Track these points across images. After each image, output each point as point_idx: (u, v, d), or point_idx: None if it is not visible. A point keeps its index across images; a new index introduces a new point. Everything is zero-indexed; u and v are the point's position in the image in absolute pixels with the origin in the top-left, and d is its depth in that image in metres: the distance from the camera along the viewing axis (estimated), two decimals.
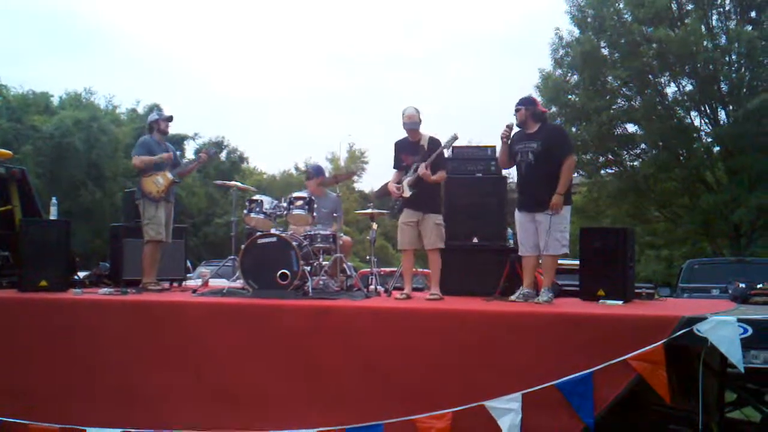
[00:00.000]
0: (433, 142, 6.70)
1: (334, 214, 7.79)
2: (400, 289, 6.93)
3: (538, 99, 23.18)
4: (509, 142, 6.50)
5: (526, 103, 6.49)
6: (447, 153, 7.10)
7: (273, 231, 6.77)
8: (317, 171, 8.44)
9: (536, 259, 6.40)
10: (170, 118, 7.58)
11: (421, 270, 9.38)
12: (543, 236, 6.17)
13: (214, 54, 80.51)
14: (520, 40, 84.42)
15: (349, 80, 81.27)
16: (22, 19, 59.26)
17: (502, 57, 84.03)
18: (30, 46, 61.97)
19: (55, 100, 37.09)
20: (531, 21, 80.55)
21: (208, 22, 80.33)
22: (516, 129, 6.52)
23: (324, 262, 7.33)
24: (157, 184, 7.19)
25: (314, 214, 7.17)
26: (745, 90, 21.12)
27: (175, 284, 8.16)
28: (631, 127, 24.00)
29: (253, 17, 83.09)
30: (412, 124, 6.76)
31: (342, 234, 7.61)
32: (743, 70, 21.36)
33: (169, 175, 7.26)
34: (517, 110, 6.44)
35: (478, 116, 73.72)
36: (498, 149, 7.00)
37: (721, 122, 22.36)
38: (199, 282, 8.52)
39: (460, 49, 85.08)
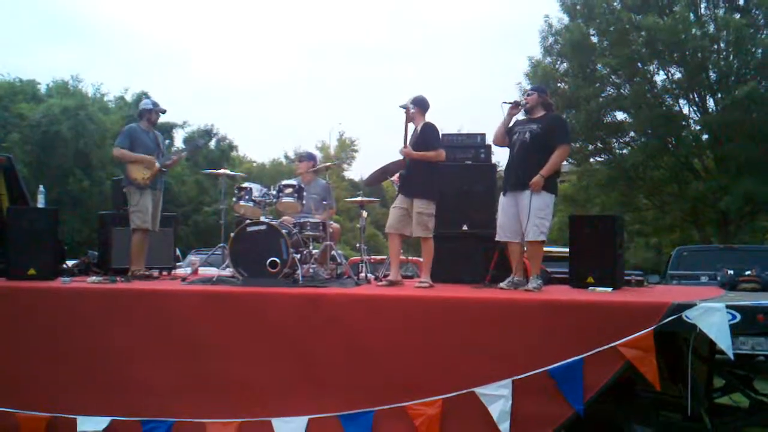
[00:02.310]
0: (425, 126, 6.69)
1: (324, 202, 7.77)
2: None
3: (527, 87, 23.33)
4: (510, 123, 6.54)
5: (539, 90, 6.68)
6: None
7: (262, 219, 6.74)
8: (309, 156, 8.65)
9: (521, 246, 6.41)
10: (164, 111, 7.53)
11: (411, 258, 9.41)
12: (524, 219, 6.17)
13: (203, 42, 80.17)
14: (510, 28, 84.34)
15: (340, 68, 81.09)
16: (8, 6, 58.69)
17: (491, 45, 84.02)
18: (16, 33, 61.41)
19: (43, 88, 36.72)
20: (520, 8, 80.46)
21: (196, 9, 79.91)
22: (522, 115, 6.59)
23: (314, 250, 7.32)
24: (143, 172, 7.14)
25: (303, 201, 7.16)
26: (733, 78, 21.15)
27: (165, 273, 8.12)
28: (620, 115, 24.01)
29: (242, 3, 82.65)
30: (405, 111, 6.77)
31: (331, 221, 7.60)
32: (731, 58, 21.38)
33: (156, 164, 7.22)
34: (529, 94, 6.56)
35: (467, 104, 73.75)
36: (488, 136, 7.01)
37: (710, 110, 22.41)
38: (188, 270, 8.49)
39: (449, 38, 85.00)
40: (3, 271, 6.75)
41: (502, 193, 6.52)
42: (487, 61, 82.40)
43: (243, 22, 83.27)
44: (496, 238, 6.54)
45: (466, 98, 74.62)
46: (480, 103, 71.35)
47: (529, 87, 6.89)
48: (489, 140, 7.45)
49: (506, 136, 6.57)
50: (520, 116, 6.59)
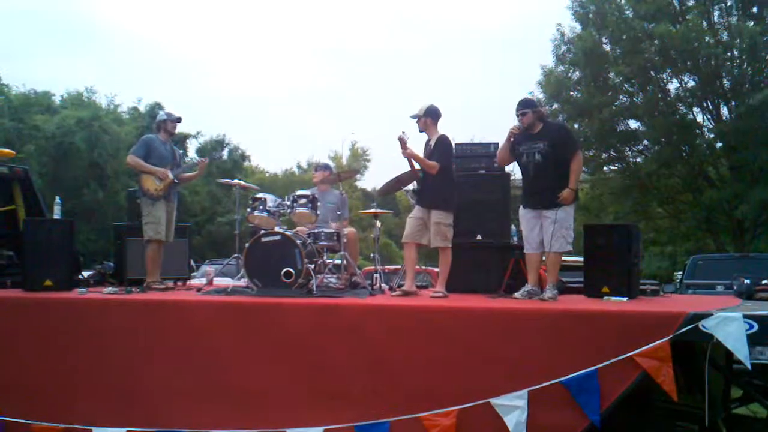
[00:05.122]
0: (440, 139, 6.69)
1: (338, 212, 7.78)
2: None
3: (541, 96, 23.24)
4: (512, 140, 6.51)
5: (531, 105, 6.55)
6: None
7: (277, 229, 6.76)
8: (325, 166, 8.84)
9: (540, 256, 6.40)
10: (179, 120, 7.53)
11: (425, 267, 9.40)
12: (549, 233, 6.16)
13: (214, 52, 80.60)
14: (522, 36, 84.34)
15: (351, 77, 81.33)
16: (23, 18, 59.31)
17: (504, 53, 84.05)
18: (31, 44, 62.00)
19: (57, 100, 37.10)
20: (533, 17, 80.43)
21: (209, 20, 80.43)
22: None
23: (328, 260, 7.32)
24: (156, 183, 7.17)
25: (318, 212, 7.17)
26: (747, 86, 21.05)
27: (179, 283, 8.14)
28: (633, 124, 23.94)
29: (252, 13, 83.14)
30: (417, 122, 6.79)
31: (344, 228, 7.61)
32: (745, 65, 21.29)
33: (170, 175, 7.24)
34: (523, 114, 6.41)
35: (479, 113, 73.71)
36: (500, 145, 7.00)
37: (724, 118, 22.31)
38: (203, 281, 8.51)
39: (461, 46, 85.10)
40: (19, 282, 6.80)
41: (522, 206, 6.50)
42: (498, 70, 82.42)
43: (254, 32, 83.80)
44: (524, 251, 6.52)
45: (478, 107, 74.54)
46: (492, 112, 71.28)
47: (519, 106, 6.76)
48: None
49: (511, 156, 6.58)
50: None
